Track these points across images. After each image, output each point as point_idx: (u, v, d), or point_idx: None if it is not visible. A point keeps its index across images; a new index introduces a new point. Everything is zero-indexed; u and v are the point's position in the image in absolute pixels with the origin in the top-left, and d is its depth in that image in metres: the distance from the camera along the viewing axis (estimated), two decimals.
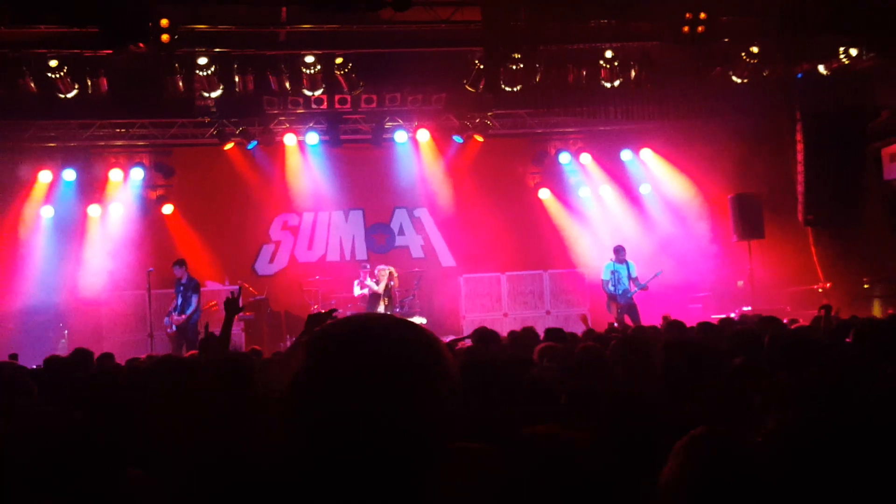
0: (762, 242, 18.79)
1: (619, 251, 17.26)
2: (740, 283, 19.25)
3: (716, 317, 14.39)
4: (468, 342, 8.62)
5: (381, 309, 17.14)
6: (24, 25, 14.60)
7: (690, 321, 10.75)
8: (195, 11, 15.01)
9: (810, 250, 18.91)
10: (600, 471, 2.52)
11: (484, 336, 8.10)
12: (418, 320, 16.90)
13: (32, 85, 15.65)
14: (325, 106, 17.78)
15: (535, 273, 19.43)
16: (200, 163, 19.36)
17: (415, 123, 19.36)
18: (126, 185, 19.02)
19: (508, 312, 18.92)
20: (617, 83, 16.95)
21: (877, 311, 16.27)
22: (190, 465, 3.21)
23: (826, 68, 17.46)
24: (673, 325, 9.28)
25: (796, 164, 18.57)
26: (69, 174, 18.56)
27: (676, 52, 16.52)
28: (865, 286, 17.62)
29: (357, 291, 17.78)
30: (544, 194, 20.70)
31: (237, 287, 8.99)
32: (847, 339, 6.66)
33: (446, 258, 20.70)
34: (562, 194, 20.74)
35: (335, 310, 8.40)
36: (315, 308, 17.87)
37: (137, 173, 18.96)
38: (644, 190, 20.63)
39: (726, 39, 16.73)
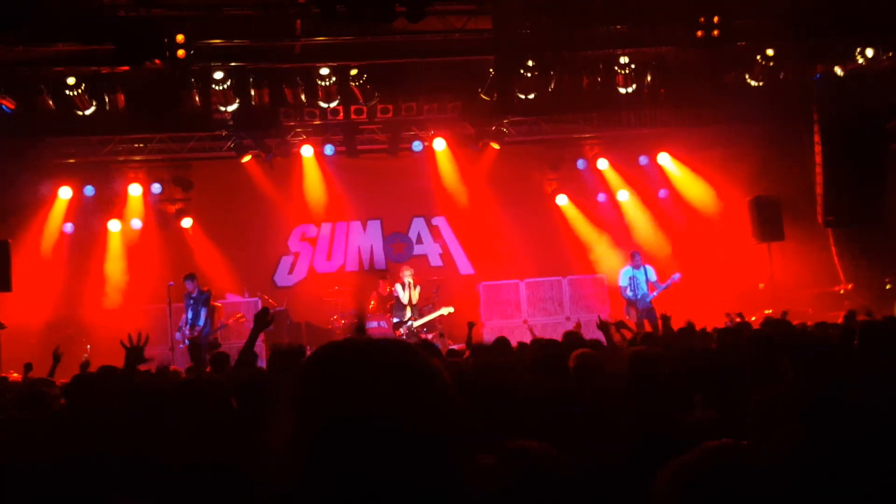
0: (782, 245, 18.71)
1: (635, 256, 17.26)
2: (761, 285, 19.16)
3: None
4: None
5: (407, 316, 17.22)
6: (42, 44, 14.73)
7: (711, 325, 10.79)
8: (210, 26, 15.11)
9: (831, 252, 18.81)
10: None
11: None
12: (445, 311, 17.04)
13: (51, 102, 15.83)
14: (341, 117, 17.88)
15: (554, 279, 19.40)
16: (218, 176, 19.46)
17: (431, 132, 19.39)
18: (145, 199, 19.15)
19: (528, 319, 18.89)
20: (632, 89, 16.94)
21: None
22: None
23: (842, 70, 17.38)
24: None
25: (815, 166, 18.49)
26: (89, 190, 18.72)
27: (691, 57, 16.49)
28: (888, 286, 17.52)
29: (376, 301, 17.83)
30: (562, 200, 20.65)
31: (259, 300, 9.02)
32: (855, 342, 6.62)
33: (465, 266, 20.70)
34: (579, 200, 20.69)
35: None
36: (335, 318, 17.93)
37: (156, 187, 19.08)
38: (662, 194, 20.57)
39: (741, 43, 16.67)
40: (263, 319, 7.17)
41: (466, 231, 20.53)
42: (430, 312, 17.88)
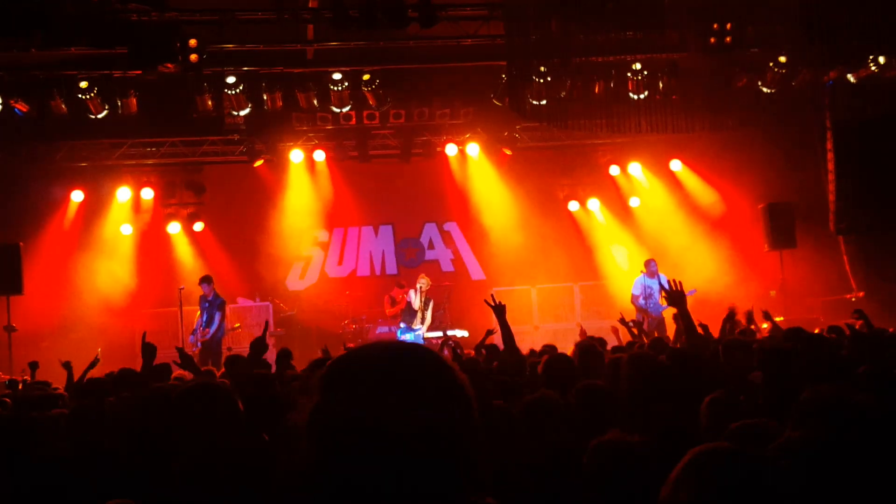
0: (794, 252, 18.64)
1: (650, 264, 17.09)
2: (773, 292, 19.07)
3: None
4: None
5: (417, 323, 17.14)
6: (55, 48, 14.79)
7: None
8: (223, 31, 15.16)
9: (842, 259, 18.74)
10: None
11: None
12: (459, 333, 16.91)
13: (63, 106, 15.93)
14: (353, 122, 17.90)
15: (566, 286, 19.36)
16: (230, 180, 19.48)
17: (443, 138, 19.36)
18: (157, 203, 19.19)
19: (539, 325, 18.86)
20: (644, 95, 16.92)
21: None
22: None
23: (855, 76, 17.34)
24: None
25: (827, 173, 18.43)
26: (101, 193, 18.76)
27: (704, 63, 16.45)
28: None
29: (389, 308, 17.81)
30: (573, 206, 20.62)
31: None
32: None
33: (476, 271, 20.68)
34: (591, 206, 20.64)
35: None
36: (346, 323, 17.92)
37: (168, 191, 19.12)
38: (674, 201, 20.50)
39: (754, 49, 16.63)
40: (262, 344, 8.33)
41: (478, 237, 20.46)
42: (441, 319, 17.77)
